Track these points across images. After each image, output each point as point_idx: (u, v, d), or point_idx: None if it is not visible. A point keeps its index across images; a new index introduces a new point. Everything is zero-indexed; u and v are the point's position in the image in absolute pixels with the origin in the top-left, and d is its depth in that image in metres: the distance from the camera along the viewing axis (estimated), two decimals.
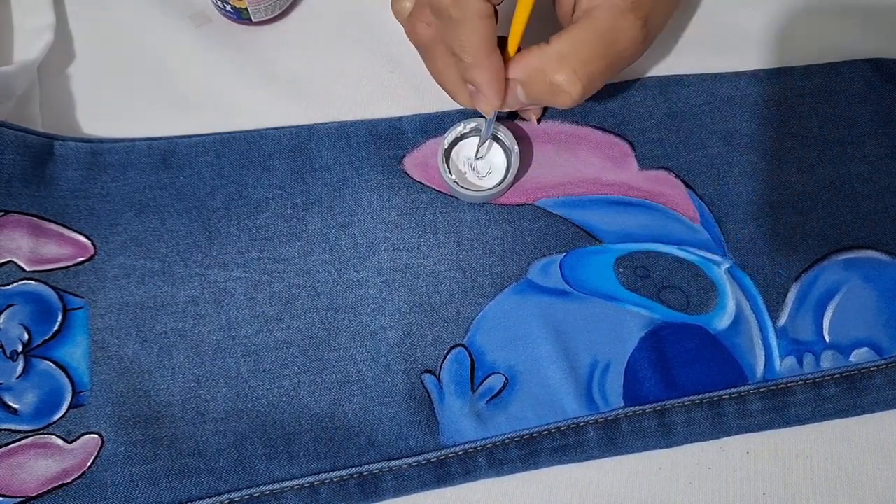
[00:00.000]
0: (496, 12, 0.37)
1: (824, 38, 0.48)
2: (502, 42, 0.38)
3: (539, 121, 0.45)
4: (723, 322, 0.43)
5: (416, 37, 0.38)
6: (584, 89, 0.35)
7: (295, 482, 0.41)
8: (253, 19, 0.46)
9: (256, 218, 0.44)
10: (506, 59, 0.37)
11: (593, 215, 0.44)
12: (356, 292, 0.43)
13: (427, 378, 0.42)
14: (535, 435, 0.42)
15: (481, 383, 0.42)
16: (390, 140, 0.45)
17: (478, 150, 0.43)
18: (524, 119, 0.45)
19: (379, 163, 0.44)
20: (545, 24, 0.41)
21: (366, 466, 0.41)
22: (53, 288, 0.42)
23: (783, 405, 0.42)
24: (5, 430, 0.40)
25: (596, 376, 0.42)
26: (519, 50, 0.38)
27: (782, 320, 0.43)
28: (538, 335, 0.43)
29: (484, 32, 0.35)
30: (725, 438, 0.42)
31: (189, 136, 0.45)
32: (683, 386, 0.42)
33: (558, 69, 0.35)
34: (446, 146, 0.43)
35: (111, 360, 0.41)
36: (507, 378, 0.42)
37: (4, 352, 0.41)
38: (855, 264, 0.44)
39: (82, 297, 0.42)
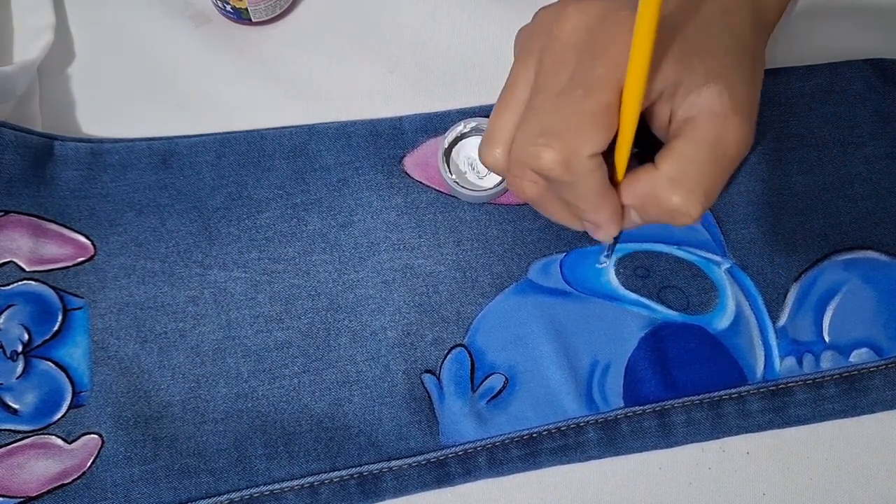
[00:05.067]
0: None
1: (824, 38, 0.48)
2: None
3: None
4: (723, 322, 0.43)
5: (523, 194, 0.35)
6: (703, 207, 0.32)
7: (295, 482, 0.41)
8: (253, 19, 0.46)
9: (256, 218, 0.44)
10: (613, 181, 0.34)
11: None
12: (356, 292, 0.43)
13: (427, 378, 0.42)
14: (535, 435, 0.42)
15: (481, 383, 0.42)
16: (390, 140, 0.45)
17: (602, 259, 0.44)
18: None
19: (379, 163, 0.44)
20: None
21: (366, 466, 0.41)
22: (53, 288, 0.42)
23: (783, 405, 0.42)
24: (5, 430, 0.40)
25: (596, 376, 0.43)
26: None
27: (782, 320, 0.43)
28: (538, 335, 0.43)
29: (599, 182, 0.32)
30: (725, 439, 0.42)
31: (189, 137, 0.45)
32: (683, 386, 0.42)
33: (673, 192, 0.32)
34: (446, 146, 0.43)
35: (111, 360, 0.41)
36: (507, 378, 0.42)
37: (4, 352, 0.41)
38: (855, 265, 0.44)
39: (82, 298, 0.42)
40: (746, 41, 0.34)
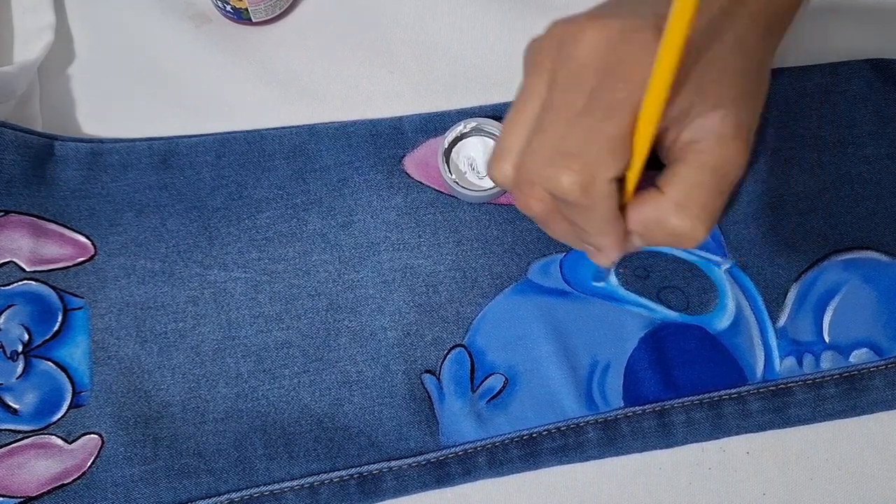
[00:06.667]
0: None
1: (824, 38, 0.48)
2: None
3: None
4: (723, 322, 0.43)
5: (529, 211, 0.35)
6: (707, 230, 0.32)
7: (295, 482, 0.41)
8: (253, 19, 0.46)
9: (256, 218, 0.44)
10: (620, 205, 0.33)
11: None
12: (356, 292, 0.43)
13: (427, 378, 0.42)
14: (535, 435, 0.42)
15: (481, 383, 0.42)
16: (390, 140, 0.45)
17: (596, 277, 0.44)
18: None
19: (379, 163, 0.44)
20: None
21: (366, 467, 0.41)
22: (54, 288, 0.42)
23: (783, 405, 0.42)
24: (5, 430, 0.40)
25: (596, 376, 0.43)
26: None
27: (782, 321, 0.43)
28: (538, 335, 0.43)
29: (611, 207, 0.32)
30: (725, 439, 0.43)
31: (189, 137, 0.45)
32: (683, 386, 0.42)
33: (679, 218, 0.32)
34: (446, 146, 0.43)
35: (111, 360, 0.41)
36: (506, 378, 0.42)
37: (5, 352, 0.41)
38: (855, 265, 0.44)
39: (82, 298, 0.42)
40: (757, 61, 0.34)
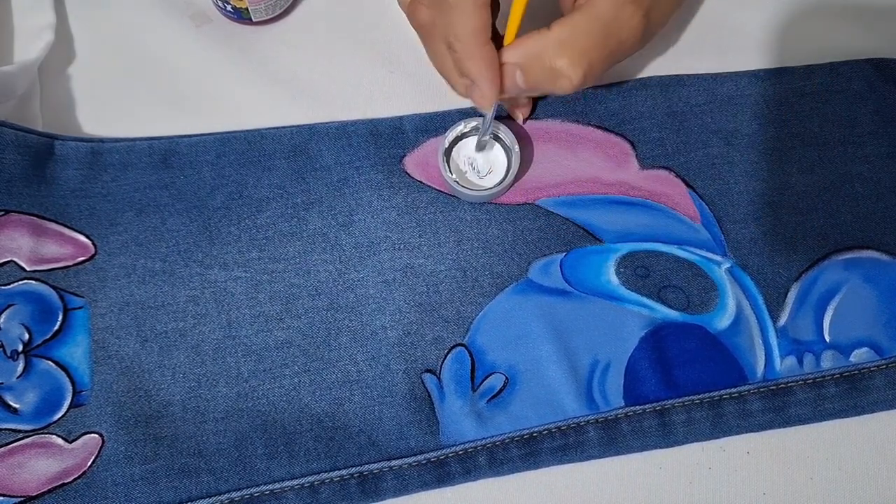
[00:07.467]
0: (495, 5, 0.37)
1: (824, 38, 0.48)
2: (501, 38, 0.38)
3: (525, 120, 0.45)
4: (723, 322, 0.43)
5: (416, 20, 0.38)
6: (584, 75, 0.35)
7: (295, 482, 0.41)
8: (253, 19, 0.46)
9: (257, 217, 0.44)
10: (504, 47, 0.37)
11: (594, 215, 0.44)
12: (356, 292, 0.43)
13: (427, 378, 0.42)
14: (535, 434, 0.42)
15: (482, 383, 0.42)
16: (391, 139, 0.45)
17: (477, 144, 0.43)
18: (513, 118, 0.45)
19: (379, 162, 0.44)
20: (544, 18, 0.40)
21: (366, 466, 0.41)
22: (54, 287, 0.42)
23: (783, 405, 0.42)
24: (6, 429, 0.40)
25: (596, 376, 0.43)
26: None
27: (783, 320, 0.43)
28: (538, 335, 0.43)
29: (477, 22, 0.35)
30: (726, 438, 0.42)
31: (189, 136, 0.45)
32: (684, 386, 0.42)
33: (558, 54, 0.35)
34: (447, 145, 0.43)
35: (112, 359, 0.41)
36: (507, 378, 0.42)
37: (5, 351, 0.41)
38: (855, 264, 0.44)
39: (83, 297, 0.42)
40: None
